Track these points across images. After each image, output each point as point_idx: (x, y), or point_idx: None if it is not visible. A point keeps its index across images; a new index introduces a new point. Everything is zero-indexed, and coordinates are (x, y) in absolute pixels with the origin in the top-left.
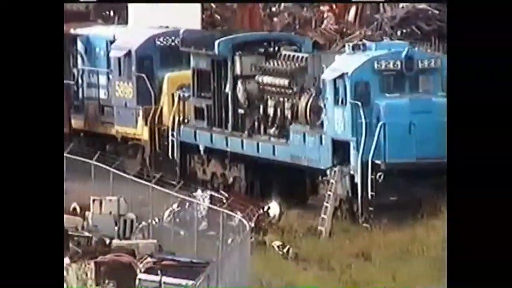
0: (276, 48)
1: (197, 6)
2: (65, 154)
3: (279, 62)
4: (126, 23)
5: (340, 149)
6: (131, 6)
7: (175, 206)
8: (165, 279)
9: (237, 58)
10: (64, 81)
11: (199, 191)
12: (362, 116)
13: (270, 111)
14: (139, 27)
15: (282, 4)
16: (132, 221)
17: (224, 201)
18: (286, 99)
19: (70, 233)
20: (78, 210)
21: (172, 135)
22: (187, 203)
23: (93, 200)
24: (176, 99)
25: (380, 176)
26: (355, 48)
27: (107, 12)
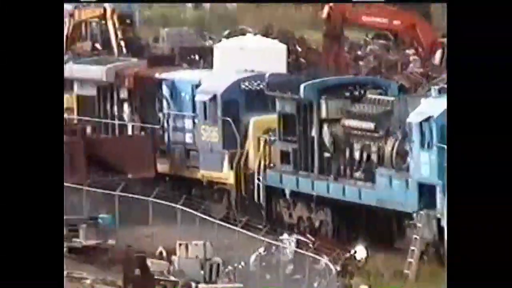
0: (362, 92)
1: (283, 49)
2: (151, 199)
3: (365, 106)
4: (212, 67)
5: (426, 193)
6: (216, 50)
7: (261, 250)
8: None
9: (323, 102)
10: (150, 126)
11: (285, 235)
12: None
13: (356, 154)
14: (224, 71)
15: (368, 47)
16: (218, 265)
17: (311, 244)
18: (372, 143)
19: (156, 277)
20: (164, 254)
21: (258, 179)
22: (274, 247)
23: (179, 244)
24: (261, 143)
25: None
26: (441, 91)
27: (193, 56)
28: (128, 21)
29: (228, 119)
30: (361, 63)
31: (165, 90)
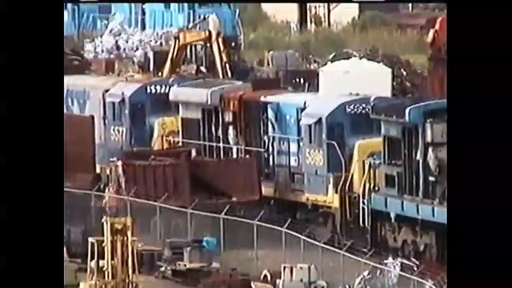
0: None
1: (388, 73)
2: (255, 222)
3: None
4: (317, 90)
5: None
6: (321, 74)
7: (365, 273)
8: None
9: (428, 126)
10: (255, 149)
11: (390, 259)
12: None
13: None
14: (329, 94)
15: None
16: None
17: (415, 268)
18: None
19: None
20: (269, 277)
21: (363, 202)
22: (378, 271)
23: (284, 268)
24: (366, 166)
25: None
26: None
27: (297, 80)
28: (233, 44)
29: (333, 142)
30: None
31: (270, 113)
